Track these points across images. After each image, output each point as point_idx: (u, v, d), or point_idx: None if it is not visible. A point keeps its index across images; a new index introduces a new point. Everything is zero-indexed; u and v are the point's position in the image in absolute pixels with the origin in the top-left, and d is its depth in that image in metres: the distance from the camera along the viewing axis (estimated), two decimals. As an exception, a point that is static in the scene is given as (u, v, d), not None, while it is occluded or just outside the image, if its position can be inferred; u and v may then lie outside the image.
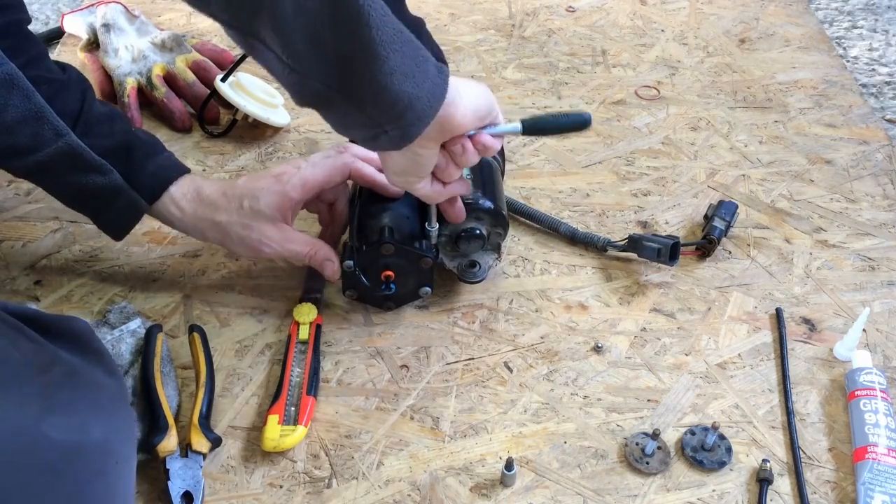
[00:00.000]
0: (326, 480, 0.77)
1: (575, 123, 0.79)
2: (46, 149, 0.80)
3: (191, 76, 1.14)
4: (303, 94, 0.66)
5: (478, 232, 0.88)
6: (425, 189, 0.79)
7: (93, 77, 1.17)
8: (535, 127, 0.79)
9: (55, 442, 0.58)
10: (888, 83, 1.31)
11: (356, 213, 0.89)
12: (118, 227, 0.87)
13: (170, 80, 1.14)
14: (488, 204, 0.88)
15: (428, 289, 0.89)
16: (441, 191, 0.80)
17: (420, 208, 0.91)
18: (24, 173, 0.84)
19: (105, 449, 0.62)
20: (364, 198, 0.91)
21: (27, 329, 0.65)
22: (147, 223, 1.00)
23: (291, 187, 0.85)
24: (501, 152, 0.96)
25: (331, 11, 0.59)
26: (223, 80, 1.09)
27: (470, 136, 0.75)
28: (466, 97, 0.72)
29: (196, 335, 0.84)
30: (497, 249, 0.91)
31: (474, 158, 0.76)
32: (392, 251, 0.85)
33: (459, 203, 0.85)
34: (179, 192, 0.85)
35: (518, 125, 0.78)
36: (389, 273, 0.87)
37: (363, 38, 0.61)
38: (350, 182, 0.91)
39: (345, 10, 0.59)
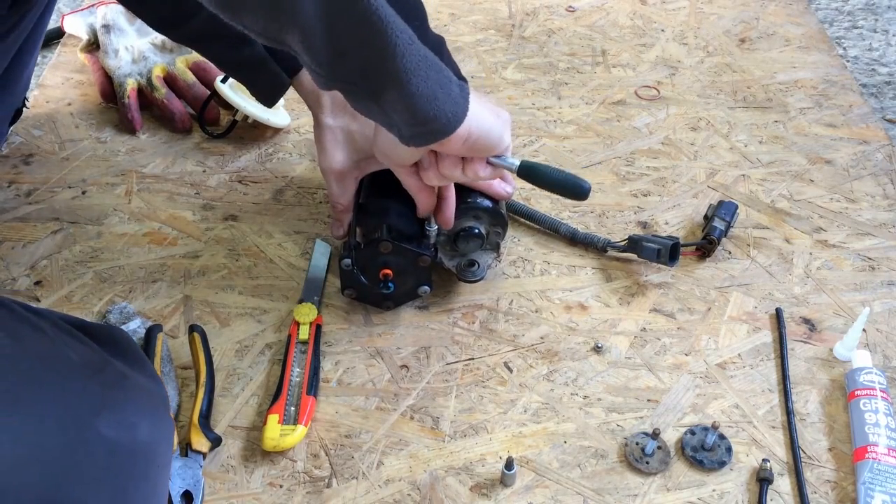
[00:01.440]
0: (326, 480, 0.77)
1: (574, 187, 0.79)
2: (196, 19, 0.89)
3: (191, 77, 1.14)
4: (330, 88, 0.68)
5: (476, 231, 0.88)
6: (408, 179, 0.81)
7: (93, 78, 1.17)
8: (532, 173, 0.79)
9: (107, 439, 0.60)
10: (888, 83, 1.31)
11: (356, 212, 0.89)
12: (268, 95, 0.96)
13: (170, 81, 1.14)
14: (487, 203, 0.88)
15: (427, 288, 0.89)
16: (420, 185, 0.81)
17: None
18: (185, 40, 0.94)
19: (150, 450, 0.64)
20: (363, 196, 0.91)
21: (79, 333, 0.67)
22: (147, 224, 1.00)
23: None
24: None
25: (360, 38, 0.62)
26: (223, 81, 1.09)
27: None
28: (476, 125, 0.72)
29: (196, 335, 0.84)
30: (496, 249, 0.91)
31: (454, 176, 0.77)
32: (390, 249, 0.85)
33: (449, 211, 0.86)
34: None
35: (516, 162, 0.78)
36: (388, 271, 0.87)
37: (391, 67, 0.64)
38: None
39: (375, 41, 0.62)
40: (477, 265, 0.91)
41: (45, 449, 0.57)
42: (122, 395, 0.64)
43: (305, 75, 0.93)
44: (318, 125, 0.91)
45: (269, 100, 0.96)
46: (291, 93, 1.21)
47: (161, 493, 0.67)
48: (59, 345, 0.65)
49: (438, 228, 0.87)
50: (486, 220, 0.88)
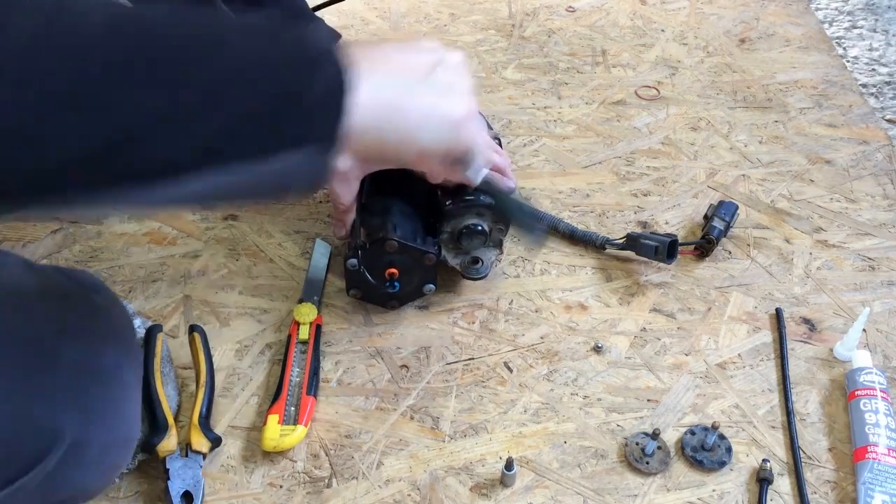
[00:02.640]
0: (326, 480, 0.77)
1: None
2: None
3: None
4: None
5: (480, 228, 0.88)
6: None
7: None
8: (499, 200, 0.77)
9: (71, 360, 0.60)
10: (888, 83, 1.31)
11: (360, 212, 0.89)
12: None
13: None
14: (489, 200, 0.88)
15: (432, 286, 0.89)
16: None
17: (425, 206, 0.91)
18: None
19: (115, 374, 0.64)
20: (367, 196, 0.91)
21: (41, 267, 0.69)
22: (147, 224, 1.00)
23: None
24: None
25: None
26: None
27: None
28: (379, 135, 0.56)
29: (196, 335, 0.84)
30: (499, 245, 0.91)
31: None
32: (396, 248, 0.85)
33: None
34: None
35: (476, 180, 0.75)
36: (393, 271, 0.87)
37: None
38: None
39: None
40: (481, 262, 0.91)
41: (8, 370, 0.57)
42: (86, 320, 0.64)
43: None
44: None
45: None
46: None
47: (130, 416, 0.66)
48: (17, 276, 0.64)
49: (441, 227, 0.87)
50: (489, 217, 0.88)
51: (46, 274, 0.69)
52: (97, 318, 0.66)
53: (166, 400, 0.79)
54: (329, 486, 0.77)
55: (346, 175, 0.87)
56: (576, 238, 0.99)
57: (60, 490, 0.60)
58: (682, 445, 0.80)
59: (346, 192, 0.88)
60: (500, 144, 0.96)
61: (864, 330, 0.89)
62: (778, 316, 0.92)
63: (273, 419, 0.79)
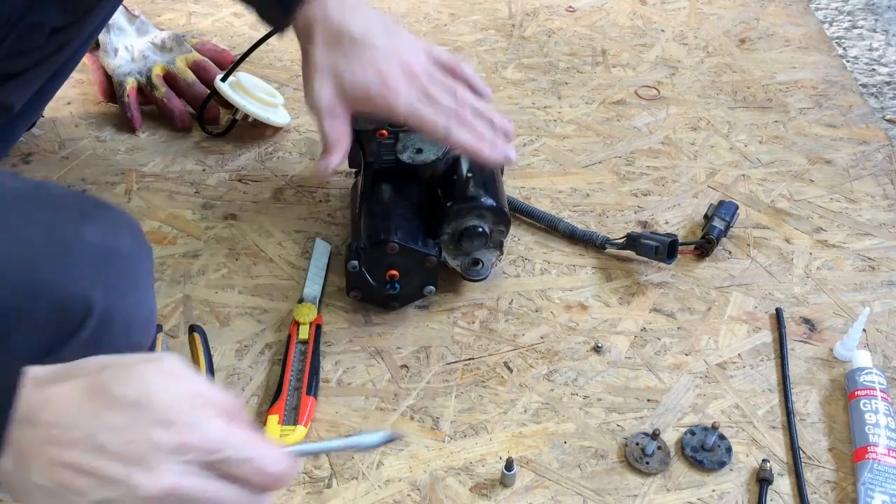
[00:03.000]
0: (326, 480, 0.77)
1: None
2: None
3: (191, 76, 1.13)
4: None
5: (480, 229, 0.88)
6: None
7: (93, 77, 1.17)
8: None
9: (94, 244, 0.64)
10: (888, 83, 1.31)
11: (361, 213, 0.89)
12: (274, 20, 0.85)
13: (170, 79, 1.13)
14: (490, 202, 0.88)
15: (432, 287, 0.89)
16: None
17: (425, 207, 0.91)
18: None
19: (135, 260, 0.68)
20: (367, 197, 0.91)
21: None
22: (147, 223, 1.00)
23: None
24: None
25: None
26: (223, 79, 1.09)
27: None
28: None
29: (196, 335, 0.84)
30: (499, 247, 0.91)
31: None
32: (397, 250, 0.85)
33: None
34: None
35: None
36: (394, 272, 0.87)
37: None
38: (353, 180, 0.91)
39: None
40: (481, 264, 0.91)
41: (40, 247, 0.62)
42: (102, 211, 0.68)
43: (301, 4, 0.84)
44: (306, 61, 0.85)
45: (277, 20, 0.85)
46: (291, 92, 1.20)
47: (149, 298, 0.70)
48: (35, 185, 0.71)
49: (442, 228, 0.87)
50: (490, 218, 0.88)
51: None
52: (109, 209, 0.70)
53: (166, 400, 0.79)
54: (329, 486, 0.77)
55: (333, 110, 0.84)
56: (576, 238, 0.99)
57: None
58: (682, 445, 0.80)
59: (334, 125, 0.84)
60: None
61: (864, 330, 0.89)
62: (778, 316, 0.92)
63: (273, 419, 0.79)
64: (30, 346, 0.61)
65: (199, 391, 0.50)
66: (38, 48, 0.86)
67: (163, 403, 0.48)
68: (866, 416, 0.80)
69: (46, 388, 0.48)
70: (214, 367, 0.84)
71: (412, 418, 0.82)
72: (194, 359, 0.83)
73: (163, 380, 0.49)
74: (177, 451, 0.47)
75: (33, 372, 0.49)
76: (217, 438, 0.48)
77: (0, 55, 0.83)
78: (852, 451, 0.80)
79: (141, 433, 0.47)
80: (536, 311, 0.92)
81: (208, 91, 1.12)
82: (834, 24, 1.45)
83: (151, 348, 0.82)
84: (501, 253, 0.92)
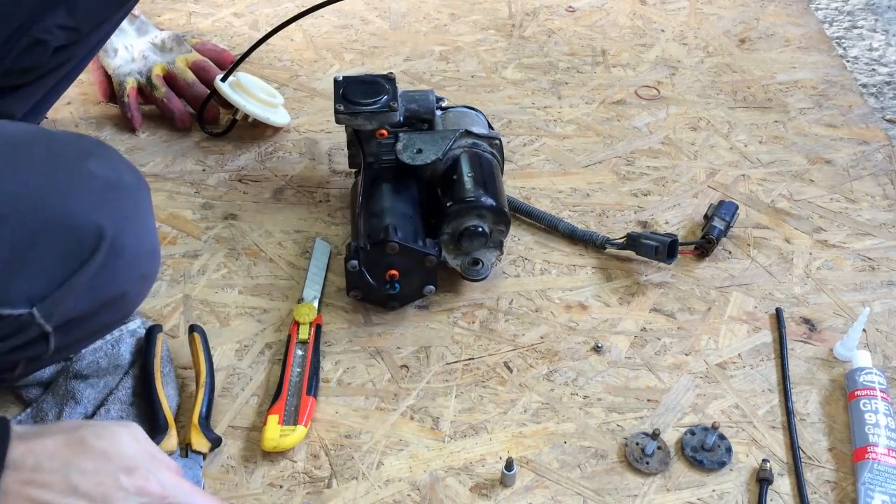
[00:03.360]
0: (326, 480, 0.77)
1: None
2: None
3: (191, 76, 1.13)
4: None
5: (480, 229, 0.88)
6: None
7: (93, 77, 1.17)
8: None
9: (99, 176, 0.68)
10: (888, 83, 1.31)
11: (361, 213, 0.89)
12: None
13: (170, 79, 1.13)
14: (490, 202, 0.88)
15: (432, 287, 0.89)
16: None
17: (425, 207, 0.91)
18: None
19: (138, 193, 0.72)
20: (367, 197, 0.91)
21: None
22: (147, 223, 1.00)
23: None
24: (501, 151, 0.96)
25: None
26: (223, 79, 1.09)
27: None
28: None
29: (196, 335, 0.84)
30: (499, 247, 0.91)
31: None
32: (397, 250, 0.85)
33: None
34: None
35: None
36: (394, 272, 0.87)
37: None
38: (353, 180, 0.91)
39: None
40: (481, 264, 0.91)
41: (53, 180, 0.66)
42: (103, 150, 0.72)
43: None
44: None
45: None
46: (291, 92, 1.21)
47: (152, 231, 0.73)
48: (36, 127, 0.76)
49: (442, 228, 0.88)
50: (490, 218, 0.88)
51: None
52: (108, 147, 0.74)
53: (166, 400, 0.79)
54: (329, 486, 0.77)
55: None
56: (576, 238, 0.99)
57: (105, 289, 0.69)
58: (682, 445, 0.80)
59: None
60: (500, 144, 0.96)
61: (864, 330, 0.89)
62: (778, 316, 0.92)
63: (273, 419, 0.79)
64: (44, 275, 0.64)
65: (155, 453, 0.61)
66: (42, 65, 0.87)
67: (128, 455, 0.58)
68: (866, 416, 0.80)
69: (30, 442, 0.55)
70: (214, 366, 0.83)
71: (412, 418, 0.82)
72: (194, 359, 0.83)
73: (129, 439, 0.59)
74: (137, 493, 0.57)
75: (19, 429, 0.56)
76: (169, 486, 0.59)
77: (2, 71, 0.84)
78: (852, 451, 0.80)
79: (108, 477, 0.56)
80: (536, 311, 0.92)
81: (208, 91, 1.12)
82: (834, 24, 1.45)
83: (150, 353, 0.82)
84: (501, 253, 0.92)
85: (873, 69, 1.35)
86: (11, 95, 0.89)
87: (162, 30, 1.19)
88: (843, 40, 1.41)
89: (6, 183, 0.66)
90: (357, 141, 0.95)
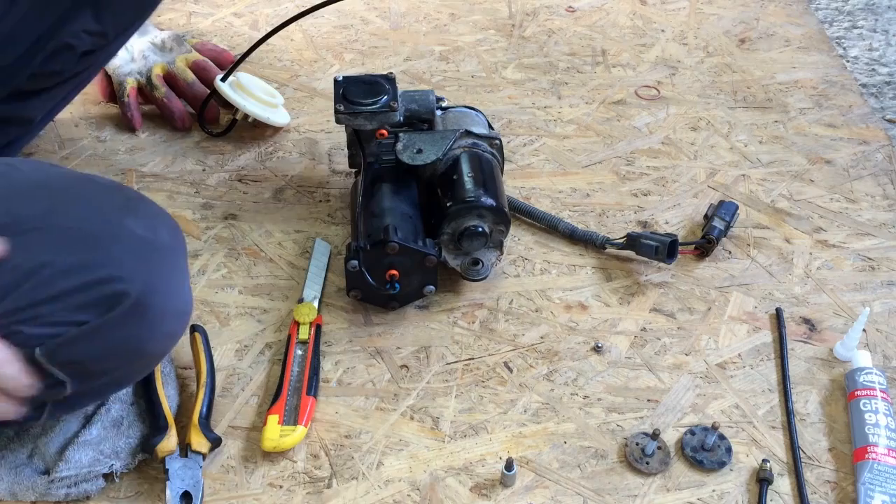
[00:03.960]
0: (326, 480, 0.77)
1: None
2: None
3: (191, 76, 1.13)
4: None
5: (480, 229, 0.88)
6: None
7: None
8: None
9: (136, 234, 0.69)
10: (888, 83, 1.31)
11: (361, 213, 0.89)
12: None
13: (170, 79, 1.13)
14: (490, 202, 0.88)
15: (432, 287, 0.89)
16: None
17: (425, 207, 0.91)
18: None
19: (173, 252, 0.72)
20: (367, 197, 0.91)
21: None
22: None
23: None
24: (501, 151, 0.96)
25: None
26: (223, 79, 1.09)
27: None
28: None
29: (196, 335, 0.84)
30: (499, 247, 0.91)
31: None
32: (397, 250, 0.85)
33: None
34: None
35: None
36: (394, 272, 0.87)
37: None
38: (353, 180, 0.91)
39: None
40: (481, 264, 0.91)
41: (86, 236, 0.67)
42: (143, 205, 0.73)
43: None
44: None
45: None
46: (291, 92, 1.21)
47: (185, 291, 0.73)
48: (81, 174, 0.76)
49: (442, 228, 0.87)
50: (490, 218, 0.88)
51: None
52: (148, 202, 0.74)
53: (166, 400, 0.79)
54: (329, 486, 0.77)
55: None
56: (576, 238, 0.99)
57: (123, 342, 0.68)
58: (682, 445, 0.80)
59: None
60: (500, 144, 0.96)
61: (864, 330, 0.89)
62: (778, 316, 0.92)
63: (273, 419, 0.79)
64: (67, 312, 0.65)
65: None
66: (68, 70, 0.87)
67: None
68: (866, 416, 0.80)
69: None
70: (214, 366, 0.83)
71: (412, 418, 0.82)
72: (195, 359, 0.83)
73: None
74: None
75: None
76: None
77: (29, 74, 0.84)
78: (852, 451, 0.80)
79: None
80: (536, 311, 0.92)
81: (208, 91, 1.12)
82: (834, 24, 1.45)
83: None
84: (501, 253, 0.92)
85: (873, 69, 1.35)
86: (35, 99, 0.89)
87: (162, 30, 1.19)
88: (843, 40, 1.41)
89: (43, 233, 0.66)
90: (357, 141, 0.95)
